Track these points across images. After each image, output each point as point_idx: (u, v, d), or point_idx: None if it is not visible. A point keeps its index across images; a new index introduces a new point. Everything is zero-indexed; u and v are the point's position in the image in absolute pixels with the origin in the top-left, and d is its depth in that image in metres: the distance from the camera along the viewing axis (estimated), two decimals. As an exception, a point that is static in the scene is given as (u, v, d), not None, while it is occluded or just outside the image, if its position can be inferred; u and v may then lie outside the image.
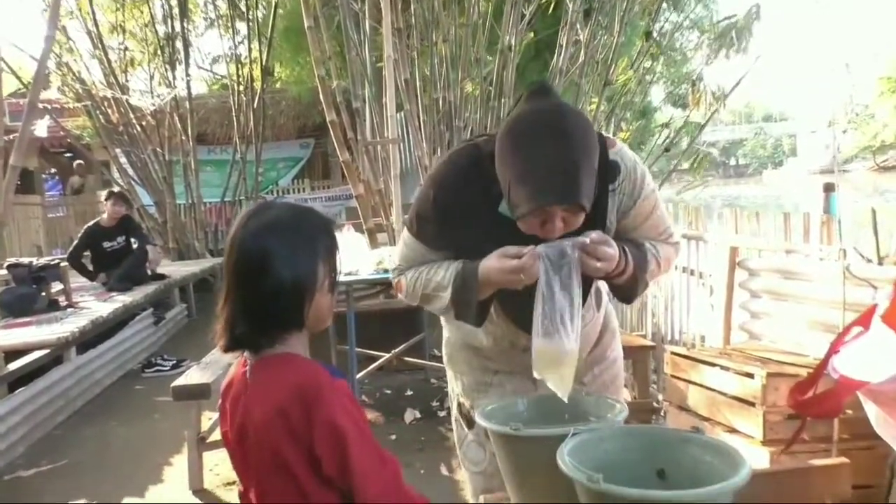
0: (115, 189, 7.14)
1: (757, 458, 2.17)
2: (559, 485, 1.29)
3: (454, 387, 1.80)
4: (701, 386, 2.58)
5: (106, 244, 6.67)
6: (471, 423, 1.74)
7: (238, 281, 1.14)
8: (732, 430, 2.39)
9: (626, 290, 1.56)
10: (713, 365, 2.57)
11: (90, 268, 6.78)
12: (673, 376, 2.76)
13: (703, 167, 6.24)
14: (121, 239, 6.73)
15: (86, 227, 6.85)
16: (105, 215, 6.75)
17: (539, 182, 1.29)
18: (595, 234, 1.37)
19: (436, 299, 1.55)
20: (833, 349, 1.39)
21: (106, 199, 6.81)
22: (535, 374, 1.42)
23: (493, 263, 1.42)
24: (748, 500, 1.16)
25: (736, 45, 5.94)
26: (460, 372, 1.77)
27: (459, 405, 1.79)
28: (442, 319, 1.80)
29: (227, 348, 1.15)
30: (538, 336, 1.38)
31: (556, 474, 1.25)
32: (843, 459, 1.63)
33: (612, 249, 1.39)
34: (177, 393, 3.13)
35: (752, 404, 2.30)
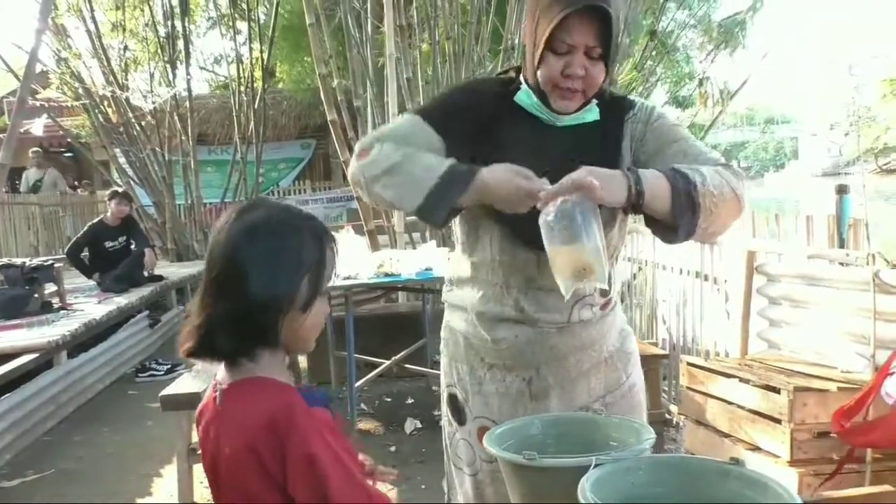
0: (119, 189, 7.03)
1: (784, 479, 2.02)
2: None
3: (447, 376, 1.63)
4: (720, 399, 2.43)
5: (108, 243, 6.58)
6: (463, 418, 1.59)
7: (212, 285, 1.00)
8: (756, 448, 2.24)
9: (669, 219, 1.31)
10: (733, 377, 2.42)
11: (87, 265, 6.67)
12: (689, 388, 2.61)
13: None
14: (122, 239, 6.66)
15: (90, 223, 6.79)
16: (109, 214, 6.65)
17: None
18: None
19: (408, 179, 1.34)
20: (885, 369, 1.24)
21: (110, 199, 6.73)
22: (559, 282, 1.27)
23: (502, 174, 1.28)
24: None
25: (742, 41, 5.79)
26: (455, 359, 1.60)
27: (451, 397, 1.61)
28: (446, 301, 1.63)
29: (190, 353, 1.02)
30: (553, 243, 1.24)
31: (577, 509, 1.11)
32: (888, 488, 1.49)
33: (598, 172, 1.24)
34: (165, 402, 2.98)
35: (778, 421, 2.15)
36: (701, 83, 6.24)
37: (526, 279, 1.46)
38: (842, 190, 4.00)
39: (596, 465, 1.13)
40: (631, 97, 1.54)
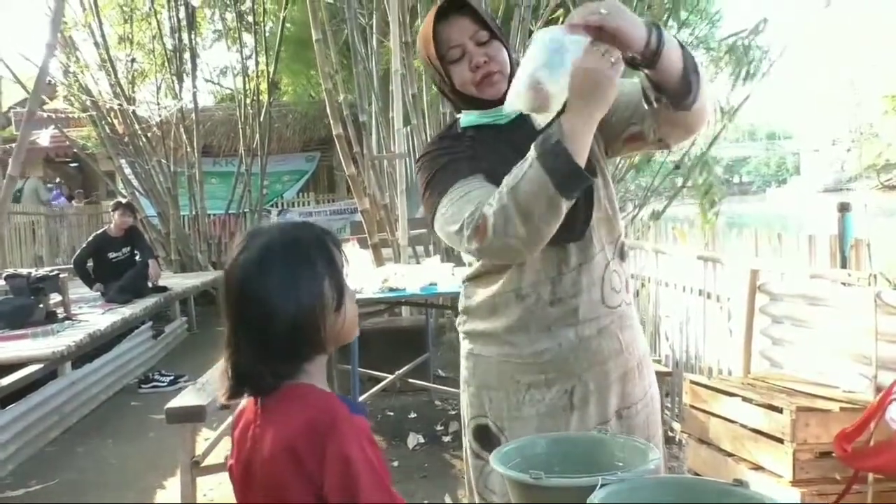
0: (123, 199, 7.08)
1: (787, 499, 2.04)
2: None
3: (473, 407, 1.59)
4: (723, 418, 2.45)
5: (111, 254, 6.64)
6: (496, 448, 1.58)
7: (243, 323, 1.03)
8: (758, 468, 2.25)
9: (678, 77, 1.28)
10: (735, 396, 2.43)
11: (91, 276, 6.70)
12: (692, 406, 2.63)
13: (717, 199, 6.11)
14: (125, 250, 6.71)
15: (94, 234, 6.86)
16: (112, 225, 6.70)
17: (430, 16, 1.43)
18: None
19: (534, 189, 1.25)
20: (889, 393, 1.26)
21: (113, 210, 6.79)
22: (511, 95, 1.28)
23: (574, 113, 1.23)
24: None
25: (754, 65, 5.83)
26: (486, 387, 1.56)
27: (480, 429, 1.58)
28: (460, 330, 1.63)
29: (231, 395, 1.05)
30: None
31: (583, 528, 1.13)
32: (890, 509, 1.51)
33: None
34: (170, 415, 2.99)
35: (780, 441, 2.16)
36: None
37: (554, 276, 1.47)
38: (844, 208, 4.02)
39: (602, 486, 1.15)
40: None
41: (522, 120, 1.39)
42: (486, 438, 1.57)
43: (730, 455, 2.40)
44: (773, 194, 44.08)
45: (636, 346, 1.56)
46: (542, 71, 1.23)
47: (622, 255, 1.56)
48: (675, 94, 1.31)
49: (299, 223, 1.11)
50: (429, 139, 6.26)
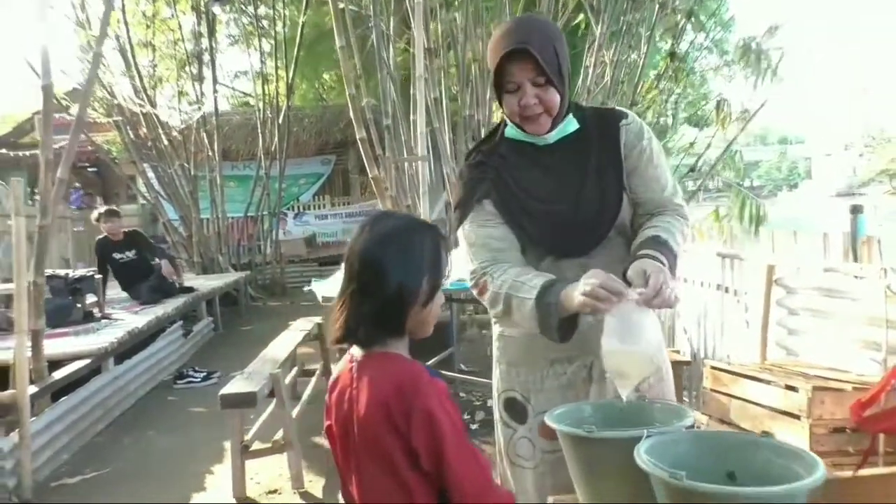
0: (102, 209, 7.04)
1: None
2: (631, 486, 1.36)
3: (504, 382, 1.82)
4: (743, 399, 2.62)
5: (116, 255, 6.70)
6: (523, 417, 1.78)
7: (353, 284, 1.22)
8: (776, 444, 2.43)
9: None
10: (755, 379, 2.61)
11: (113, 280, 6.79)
12: (713, 390, 2.81)
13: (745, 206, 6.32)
14: (130, 253, 6.76)
15: (96, 241, 6.87)
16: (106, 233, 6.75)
17: (499, 44, 1.57)
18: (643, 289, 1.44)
19: (520, 304, 1.58)
20: (896, 363, 1.45)
21: (97, 221, 6.80)
22: (605, 368, 1.48)
23: (573, 297, 1.47)
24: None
25: (769, 70, 6.00)
26: (514, 364, 1.80)
27: (509, 401, 1.81)
28: (491, 314, 1.82)
29: (338, 340, 1.24)
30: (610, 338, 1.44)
31: (629, 476, 1.31)
32: (898, 469, 1.69)
33: (660, 277, 1.46)
34: (225, 401, 3.20)
35: (797, 417, 2.34)
36: (719, 105, 6.45)
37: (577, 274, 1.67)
38: (856, 210, 4.21)
39: (647, 437, 1.34)
40: (619, 108, 1.80)
41: (556, 145, 1.69)
42: (514, 409, 1.81)
43: (749, 433, 2.58)
44: (785, 198, 44.04)
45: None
46: (628, 352, 1.44)
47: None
48: None
49: (420, 221, 1.32)
50: (450, 140, 6.48)
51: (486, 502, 1.19)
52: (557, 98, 1.61)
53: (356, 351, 1.26)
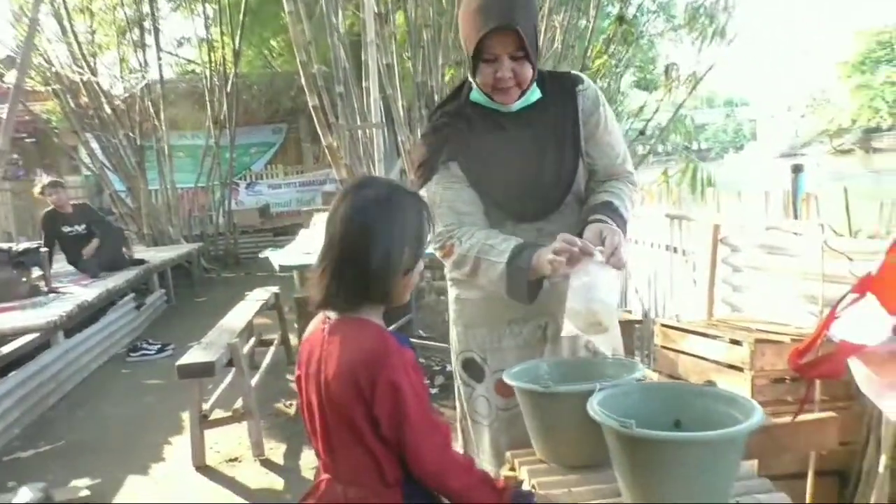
0: (46, 180, 6.67)
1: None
2: (585, 437, 1.43)
3: (461, 343, 1.88)
4: (690, 355, 2.74)
5: (66, 228, 6.50)
6: (480, 376, 1.85)
7: (334, 250, 1.22)
8: (721, 395, 2.55)
9: None
10: (702, 335, 2.72)
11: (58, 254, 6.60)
12: (663, 347, 2.91)
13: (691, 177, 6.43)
14: (80, 227, 6.56)
15: (43, 213, 6.61)
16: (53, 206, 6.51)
17: (480, 16, 1.56)
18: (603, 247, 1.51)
19: (489, 267, 1.62)
20: (832, 315, 1.53)
21: (41, 194, 6.54)
22: (563, 333, 1.54)
23: (542, 260, 1.54)
24: (749, 450, 1.30)
25: (710, 31, 6.10)
26: (471, 325, 1.85)
27: (467, 361, 1.87)
28: (448, 277, 1.89)
29: (319, 306, 1.25)
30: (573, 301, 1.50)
31: (583, 428, 1.38)
32: (832, 414, 1.80)
33: (615, 238, 1.53)
34: (183, 371, 3.18)
35: (741, 369, 2.46)
36: (667, 70, 6.55)
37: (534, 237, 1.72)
38: (797, 169, 4.37)
39: (599, 390, 1.40)
40: (574, 72, 1.83)
41: (519, 112, 1.72)
42: (472, 369, 1.88)
43: (697, 387, 2.70)
44: (731, 160, 45.03)
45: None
46: (597, 304, 1.49)
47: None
48: None
49: (404, 189, 1.30)
50: (403, 107, 6.44)
51: (444, 474, 1.23)
52: (531, 72, 1.64)
53: (331, 312, 1.28)
